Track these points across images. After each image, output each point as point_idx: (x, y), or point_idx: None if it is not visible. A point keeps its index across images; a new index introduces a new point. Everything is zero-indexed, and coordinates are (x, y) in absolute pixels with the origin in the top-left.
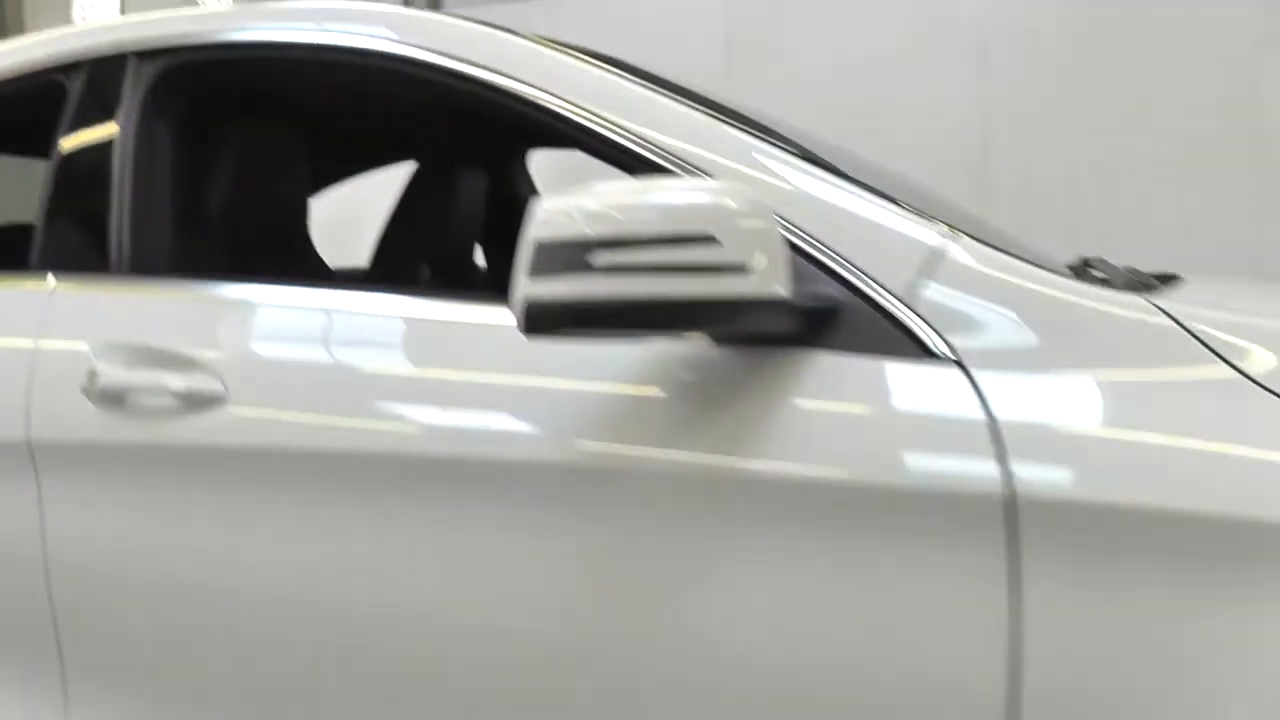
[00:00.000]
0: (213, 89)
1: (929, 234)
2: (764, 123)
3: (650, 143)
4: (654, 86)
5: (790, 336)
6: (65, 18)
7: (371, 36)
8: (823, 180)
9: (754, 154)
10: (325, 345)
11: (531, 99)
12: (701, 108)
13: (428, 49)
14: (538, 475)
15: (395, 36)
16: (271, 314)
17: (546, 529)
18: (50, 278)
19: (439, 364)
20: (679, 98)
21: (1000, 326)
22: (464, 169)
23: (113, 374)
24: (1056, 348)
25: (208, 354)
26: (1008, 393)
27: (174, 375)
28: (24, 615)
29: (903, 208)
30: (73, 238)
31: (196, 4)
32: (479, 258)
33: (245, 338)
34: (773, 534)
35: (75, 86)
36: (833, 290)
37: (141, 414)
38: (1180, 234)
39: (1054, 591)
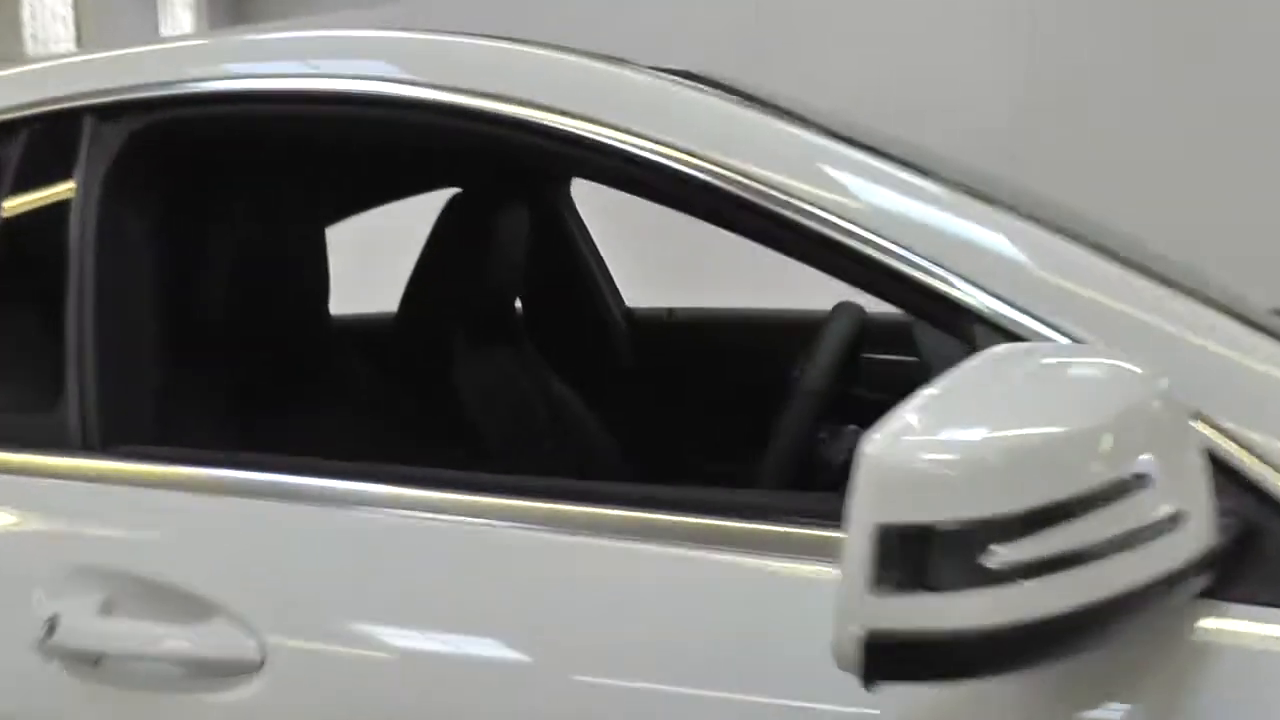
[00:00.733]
0: (193, 150)
1: None
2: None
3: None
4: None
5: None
6: (15, 37)
7: (376, 79)
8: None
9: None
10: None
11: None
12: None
13: (459, 90)
14: None
15: (408, 76)
16: (319, 520)
17: None
18: None
19: None
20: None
21: None
22: (502, 201)
23: (81, 623)
24: None
25: (231, 592)
26: None
27: (177, 627)
28: None
29: None
30: (7, 397)
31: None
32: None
33: (290, 563)
34: None
35: (10, 153)
36: (1245, 505)
37: (128, 683)
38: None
39: None
